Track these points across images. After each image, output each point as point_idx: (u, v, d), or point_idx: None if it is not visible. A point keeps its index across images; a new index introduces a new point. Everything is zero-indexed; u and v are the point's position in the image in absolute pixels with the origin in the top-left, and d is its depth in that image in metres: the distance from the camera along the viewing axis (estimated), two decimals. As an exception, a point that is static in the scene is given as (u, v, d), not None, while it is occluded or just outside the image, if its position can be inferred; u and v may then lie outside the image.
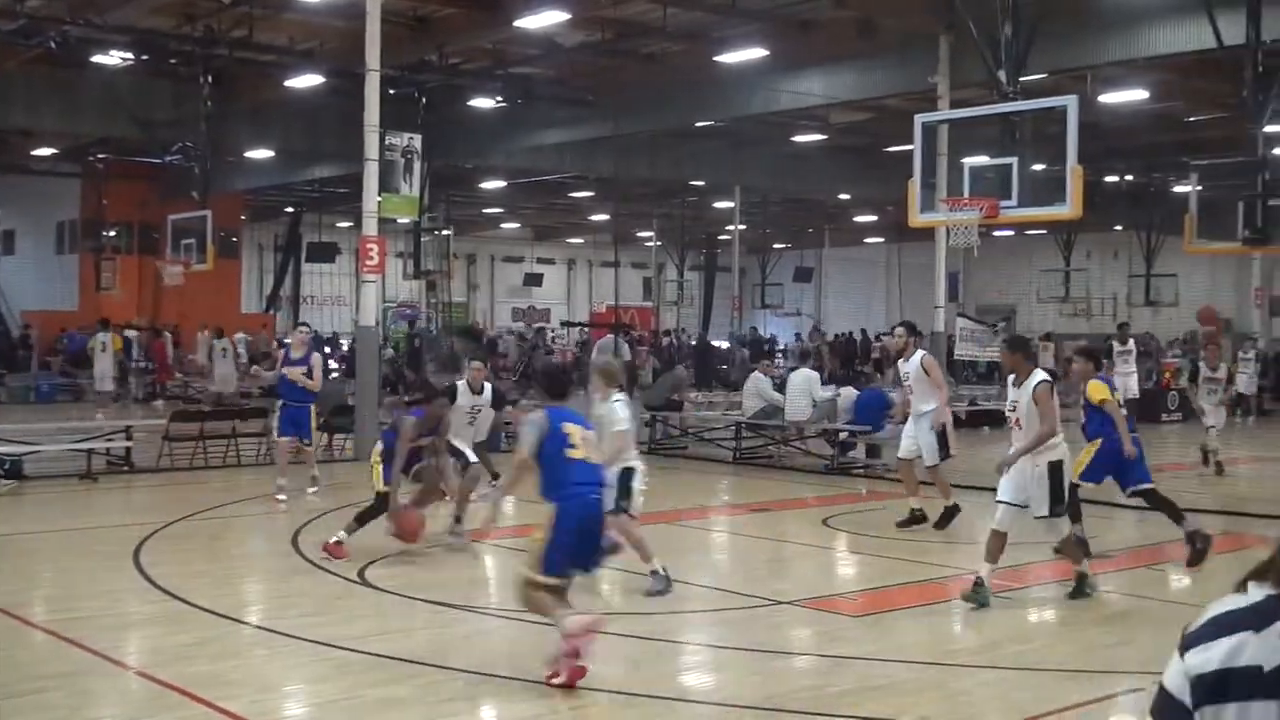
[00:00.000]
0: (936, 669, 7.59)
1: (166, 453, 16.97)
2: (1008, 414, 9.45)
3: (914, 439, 12.63)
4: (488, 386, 12.97)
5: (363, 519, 10.69)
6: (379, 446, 11.12)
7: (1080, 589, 9.18)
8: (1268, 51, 17.01)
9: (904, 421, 12.99)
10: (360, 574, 10.08)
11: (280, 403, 14.73)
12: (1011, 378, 9.36)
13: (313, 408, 14.80)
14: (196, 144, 26.13)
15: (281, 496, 14.16)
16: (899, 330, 13.15)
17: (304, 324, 16.40)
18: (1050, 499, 8.89)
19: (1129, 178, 34.08)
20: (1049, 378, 9.17)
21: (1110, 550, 11.53)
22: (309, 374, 14.49)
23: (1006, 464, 8.99)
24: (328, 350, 31.69)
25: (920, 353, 12.81)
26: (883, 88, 24.79)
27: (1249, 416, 26.82)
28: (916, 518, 12.56)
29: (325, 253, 43.98)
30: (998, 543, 8.89)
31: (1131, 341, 23.60)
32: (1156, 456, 19.67)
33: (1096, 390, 10.78)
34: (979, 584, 8.80)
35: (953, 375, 28.09)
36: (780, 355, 40.04)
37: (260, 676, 7.41)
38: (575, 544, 6.95)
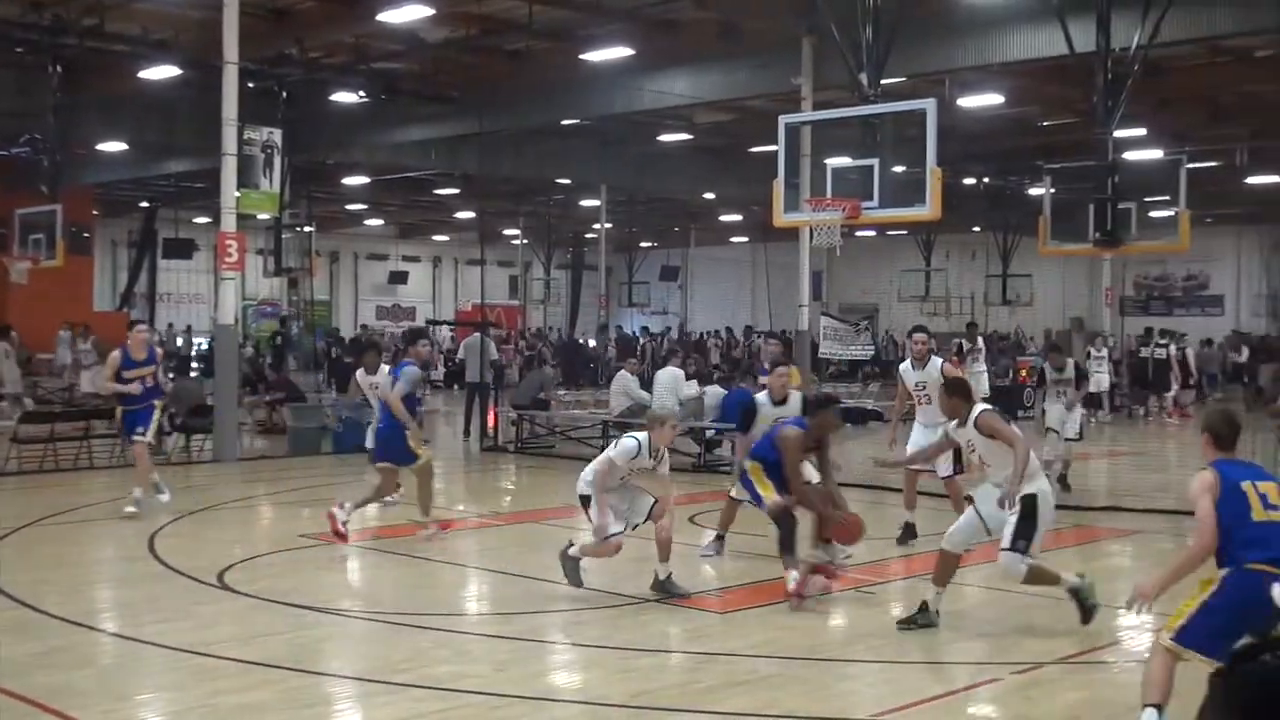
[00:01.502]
0: (800, 663, 7.68)
1: (14, 455, 16.41)
2: (970, 456, 8.93)
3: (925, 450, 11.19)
4: (794, 395, 11.45)
5: (786, 544, 9.24)
6: (749, 463, 9.90)
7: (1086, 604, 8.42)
8: (1116, 59, 17.53)
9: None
10: (219, 578, 9.86)
11: (121, 410, 13.25)
12: (954, 423, 8.71)
13: (157, 403, 13.46)
14: (45, 136, 25.28)
15: (130, 508, 12.92)
16: (920, 335, 12.06)
17: (141, 322, 14.70)
18: (1014, 533, 8.12)
19: (986, 180, 34.91)
20: (987, 406, 8.65)
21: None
22: (154, 374, 13.25)
23: (1009, 498, 8.13)
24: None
25: (938, 360, 11.82)
26: (746, 89, 25.06)
27: (1100, 411, 27.48)
28: (912, 532, 11.70)
29: (182, 249, 42.95)
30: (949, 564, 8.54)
31: (980, 340, 24.19)
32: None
33: None
34: (922, 607, 8.44)
35: (815, 374, 28.53)
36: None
37: (115, 685, 7.18)
38: None
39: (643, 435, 9.24)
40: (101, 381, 13.72)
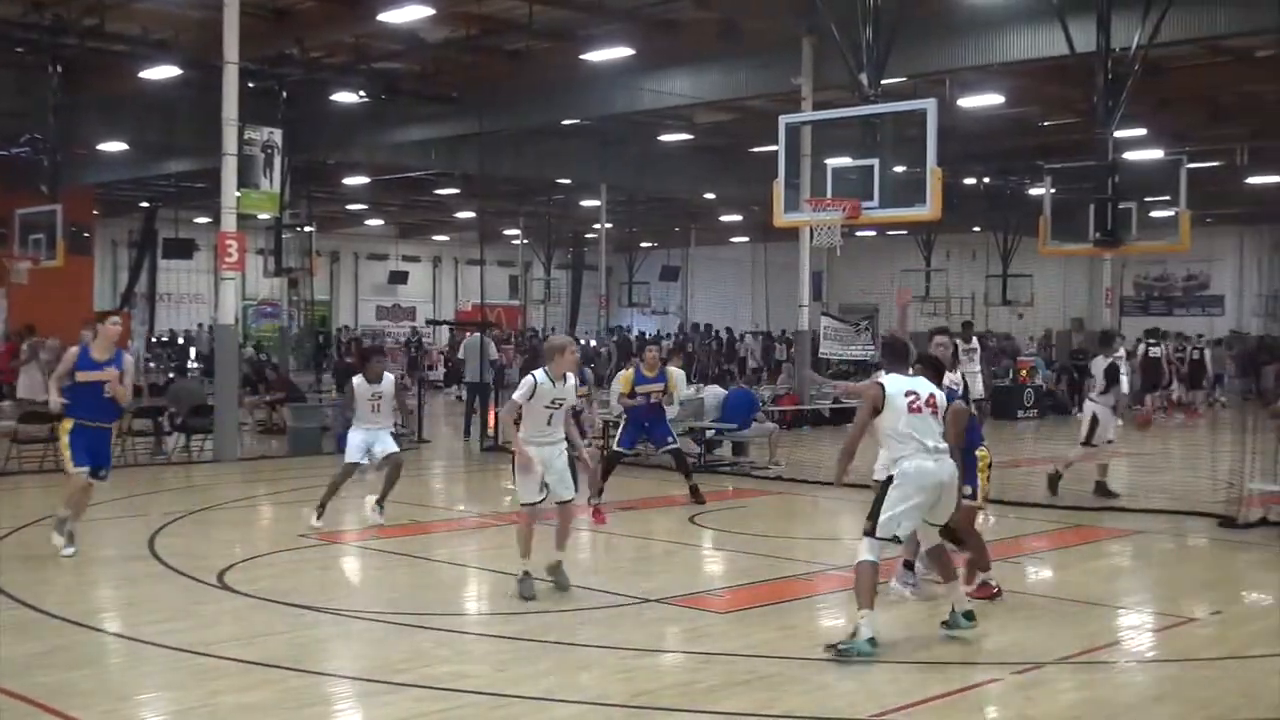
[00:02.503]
0: (800, 663, 7.67)
1: (14, 455, 16.41)
2: None
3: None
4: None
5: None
6: (981, 450, 9.19)
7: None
8: (1116, 59, 17.52)
9: None
10: (219, 578, 9.87)
11: (72, 424, 10.63)
12: None
13: (115, 428, 11.46)
14: (45, 136, 25.28)
15: (69, 550, 10.80)
16: (942, 339, 11.33)
17: (114, 314, 12.10)
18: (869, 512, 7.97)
19: (986, 180, 34.89)
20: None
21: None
22: (120, 380, 10.70)
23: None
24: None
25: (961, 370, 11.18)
26: (747, 89, 25.08)
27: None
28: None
29: (182, 249, 42.96)
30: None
31: (975, 340, 24.13)
32: (1013, 452, 20.22)
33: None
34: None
35: (817, 373, 28.53)
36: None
37: (115, 685, 7.19)
38: None
39: (540, 371, 9.32)
40: (52, 381, 10.91)
